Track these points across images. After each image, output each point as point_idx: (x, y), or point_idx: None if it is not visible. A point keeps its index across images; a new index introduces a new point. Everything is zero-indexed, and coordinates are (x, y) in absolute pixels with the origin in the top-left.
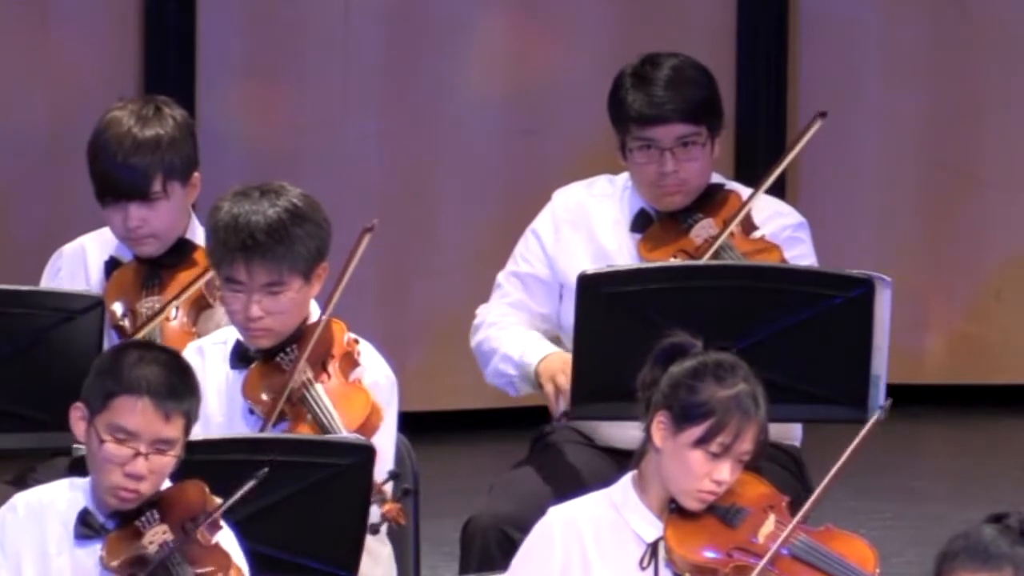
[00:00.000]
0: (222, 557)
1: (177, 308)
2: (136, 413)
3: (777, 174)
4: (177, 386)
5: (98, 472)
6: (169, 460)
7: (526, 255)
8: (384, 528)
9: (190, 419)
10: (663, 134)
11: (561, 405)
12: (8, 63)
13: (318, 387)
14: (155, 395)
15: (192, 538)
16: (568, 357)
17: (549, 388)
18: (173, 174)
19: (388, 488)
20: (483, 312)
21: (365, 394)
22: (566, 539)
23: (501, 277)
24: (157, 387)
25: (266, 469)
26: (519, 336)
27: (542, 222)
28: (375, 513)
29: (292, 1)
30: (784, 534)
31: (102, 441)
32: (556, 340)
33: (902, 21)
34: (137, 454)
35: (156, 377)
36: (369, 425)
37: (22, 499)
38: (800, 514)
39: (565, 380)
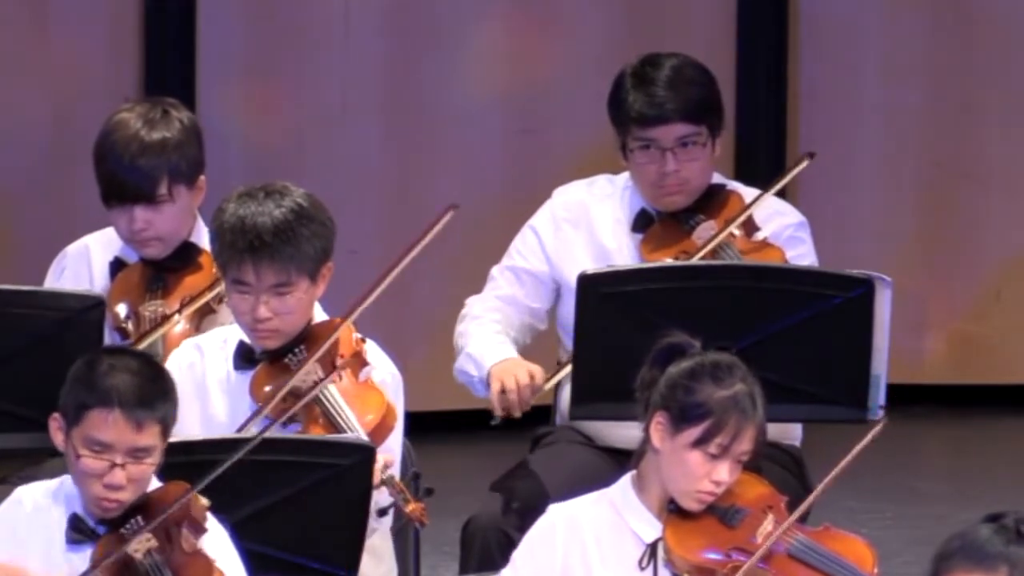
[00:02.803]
0: (204, 563)
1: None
2: (108, 425)
3: (778, 187)
4: (148, 394)
5: (78, 483)
6: (147, 468)
7: (522, 250)
8: (388, 525)
9: (166, 424)
10: (663, 134)
11: (499, 410)
12: (8, 63)
13: (331, 388)
14: (125, 406)
15: (175, 544)
16: (525, 365)
17: (496, 386)
18: (179, 177)
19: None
20: (471, 303)
21: (380, 394)
22: (568, 537)
23: (495, 271)
24: (127, 397)
25: (238, 456)
26: (488, 338)
27: (541, 219)
28: (388, 503)
29: (292, 1)
30: (777, 532)
31: (79, 455)
32: (541, 336)
33: (902, 21)
34: (114, 465)
35: (126, 387)
36: (385, 425)
37: (27, 493)
38: (795, 514)
39: (511, 383)
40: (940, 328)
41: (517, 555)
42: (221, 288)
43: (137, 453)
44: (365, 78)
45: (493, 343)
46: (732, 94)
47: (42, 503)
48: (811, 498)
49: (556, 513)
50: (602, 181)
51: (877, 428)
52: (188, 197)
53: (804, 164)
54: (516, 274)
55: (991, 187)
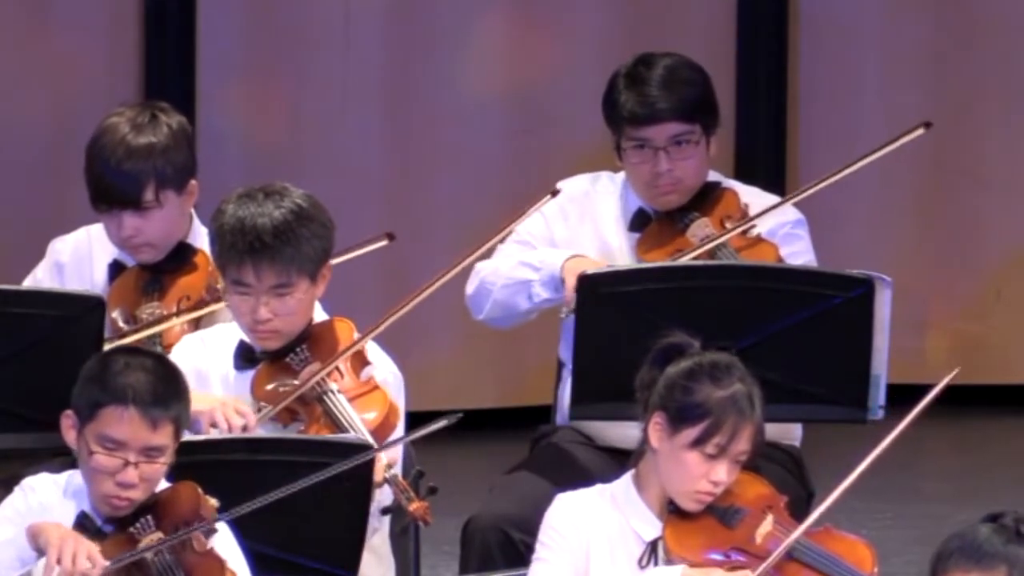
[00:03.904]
0: (216, 563)
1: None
2: (123, 423)
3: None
4: (163, 393)
5: (90, 481)
6: (159, 467)
7: (532, 231)
8: (387, 527)
9: (179, 424)
10: (656, 133)
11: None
12: (8, 62)
13: (334, 387)
14: (141, 404)
15: (187, 545)
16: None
17: (572, 282)
18: (166, 182)
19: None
20: (482, 262)
21: (383, 393)
22: (583, 522)
23: (502, 246)
24: (143, 395)
25: (273, 497)
26: (530, 252)
27: (549, 206)
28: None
29: (292, 1)
30: (789, 541)
31: (91, 452)
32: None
33: (902, 21)
34: (127, 463)
35: (142, 385)
36: (388, 424)
37: (39, 483)
38: (807, 522)
39: None
40: (940, 328)
41: (546, 540)
42: (214, 284)
43: (150, 452)
44: (365, 78)
45: (546, 249)
46: (732, 94)
47: (49, 499)
48: (824, 505)
49: (568, 500)
50: (605, 178)
51: (895, 432)
52: (178, 202)
53: (919, 131)
54: (527, 246)
55: (991, 187)
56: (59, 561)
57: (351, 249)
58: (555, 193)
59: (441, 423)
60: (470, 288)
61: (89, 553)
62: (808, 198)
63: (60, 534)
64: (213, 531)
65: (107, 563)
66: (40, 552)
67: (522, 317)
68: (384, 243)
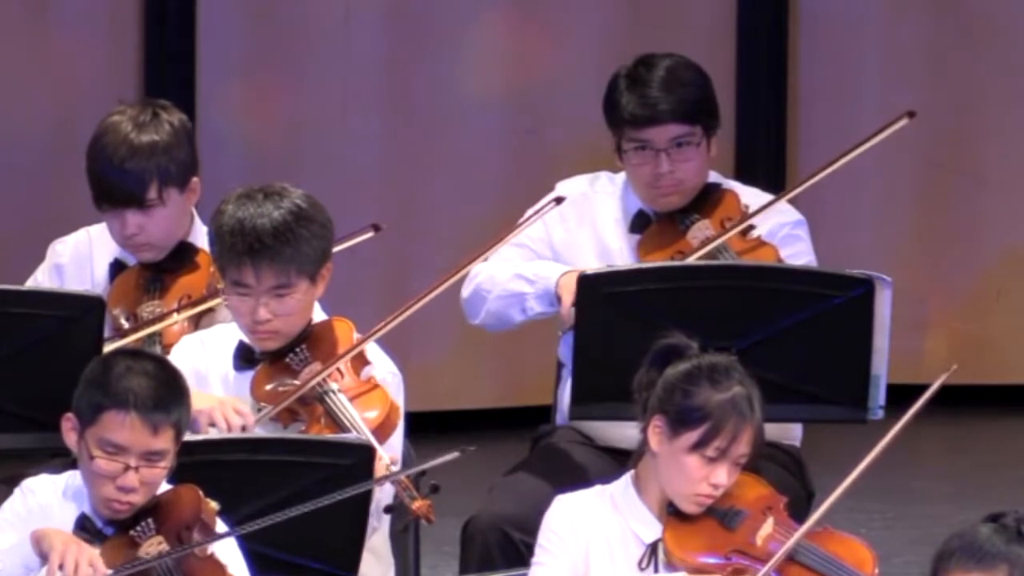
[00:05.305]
0: (217, 568)
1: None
2: (124, 428)
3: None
4: (165, 397)
5: (90, 484)
6: (160, 471)
7: (531, 235)
8: (387, 527)
9: (180, 428)
10: (657, 135)
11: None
12: (8, 62)
13: (334, 387)
14: (142, 409)
15: (188, 549)
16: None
17: (568, 299)
18: (169, 180)
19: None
20: (479, 266)
21: (383, 391)
22: (582, 524)
23: (502, 249)
24: (144, 400)
25: (283, 516)
26: (532, 263)
27: (549, 212)
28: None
29: (292, 1)
30: (789, 544)
31: (92, 456)
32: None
33: (902, 21)
34: (127, 467)
35: (143, 390)
36: (389, 423)
37: (39, 485)
38: (806, 525)
39: None
40: (940, 328)
41: (544, 543)
42: (216, 282)
43: (151, 456)
44: (365, 78)
45: (540, 262)
46: (732, 94)
47: (49, 500)
48: (824, 507)
49: (568, 502)
50: (604, 179)
51: (893, 432)
52: (180, 200)
53: (903, 122)
54: (525, 250)
55: (991, 187)
56: (61, 567)
57: (338, 242)
58: (560, 200)
59: (453, 454)
60: (465, 292)
61: (91, 560)
62: (808, 199)
63: (63, 540)
64: (215, 536)
65: (109, 571)
66: (44, 558)
67: (517, 325)
68: (370, 235)
